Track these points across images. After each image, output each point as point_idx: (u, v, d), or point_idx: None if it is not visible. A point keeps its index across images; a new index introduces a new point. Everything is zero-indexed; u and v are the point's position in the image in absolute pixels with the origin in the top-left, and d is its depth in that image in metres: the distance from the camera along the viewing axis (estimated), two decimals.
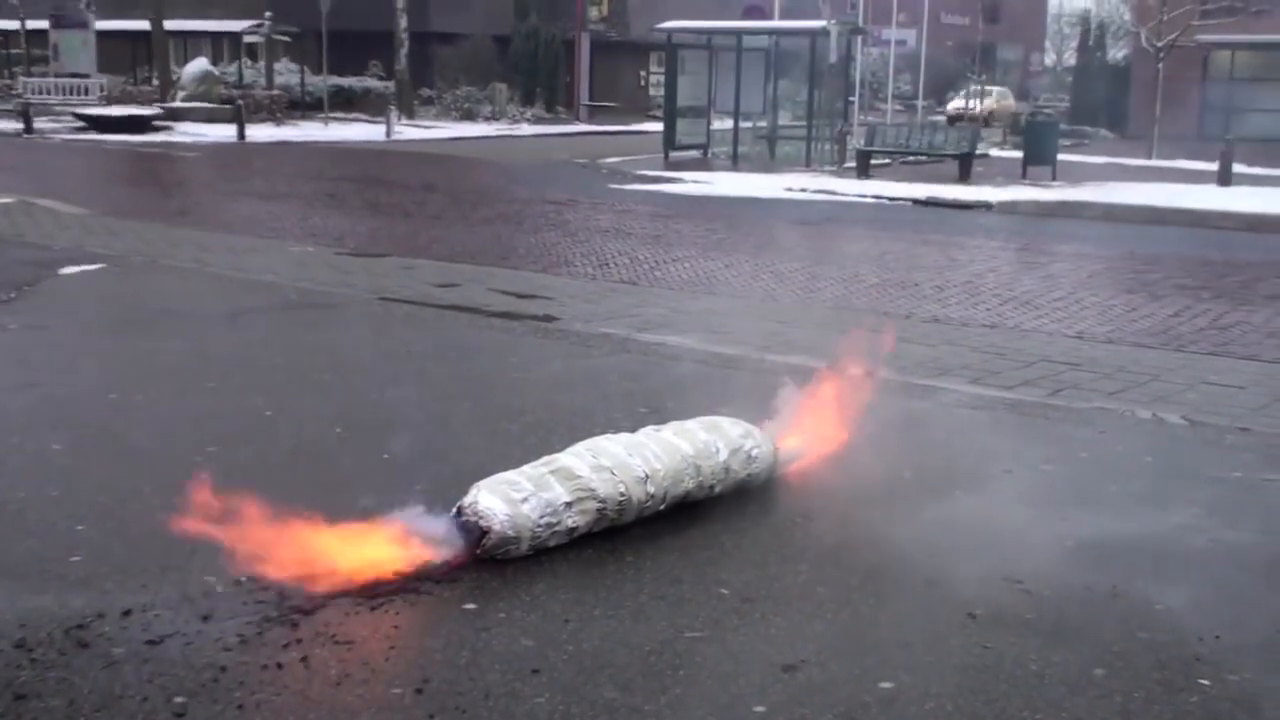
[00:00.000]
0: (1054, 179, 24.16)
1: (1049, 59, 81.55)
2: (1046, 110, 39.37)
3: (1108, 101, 45.86)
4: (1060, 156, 25.42)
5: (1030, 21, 78.43)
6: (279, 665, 3.72)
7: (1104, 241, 16.44)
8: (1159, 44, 33.39)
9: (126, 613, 4.00)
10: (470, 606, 4.19)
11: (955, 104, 49.31)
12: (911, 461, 5.92)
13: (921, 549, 4.88)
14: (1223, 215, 18.97)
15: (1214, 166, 24.69)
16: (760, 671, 3.83)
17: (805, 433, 5.89)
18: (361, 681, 3.66)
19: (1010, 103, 51.39)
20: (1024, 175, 24.57)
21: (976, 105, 42.75)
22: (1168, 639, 4.11)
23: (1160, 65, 33.57)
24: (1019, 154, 26.61)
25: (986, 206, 20.31)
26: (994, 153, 31.20)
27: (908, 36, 45.38)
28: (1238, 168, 24.28)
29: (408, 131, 38.52)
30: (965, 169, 24.33)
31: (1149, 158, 31.47)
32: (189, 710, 3.47)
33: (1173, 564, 4.78)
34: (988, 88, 48.54)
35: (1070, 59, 66.48)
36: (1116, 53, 53.88)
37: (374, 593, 4.20)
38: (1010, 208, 20.27)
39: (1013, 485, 5.70)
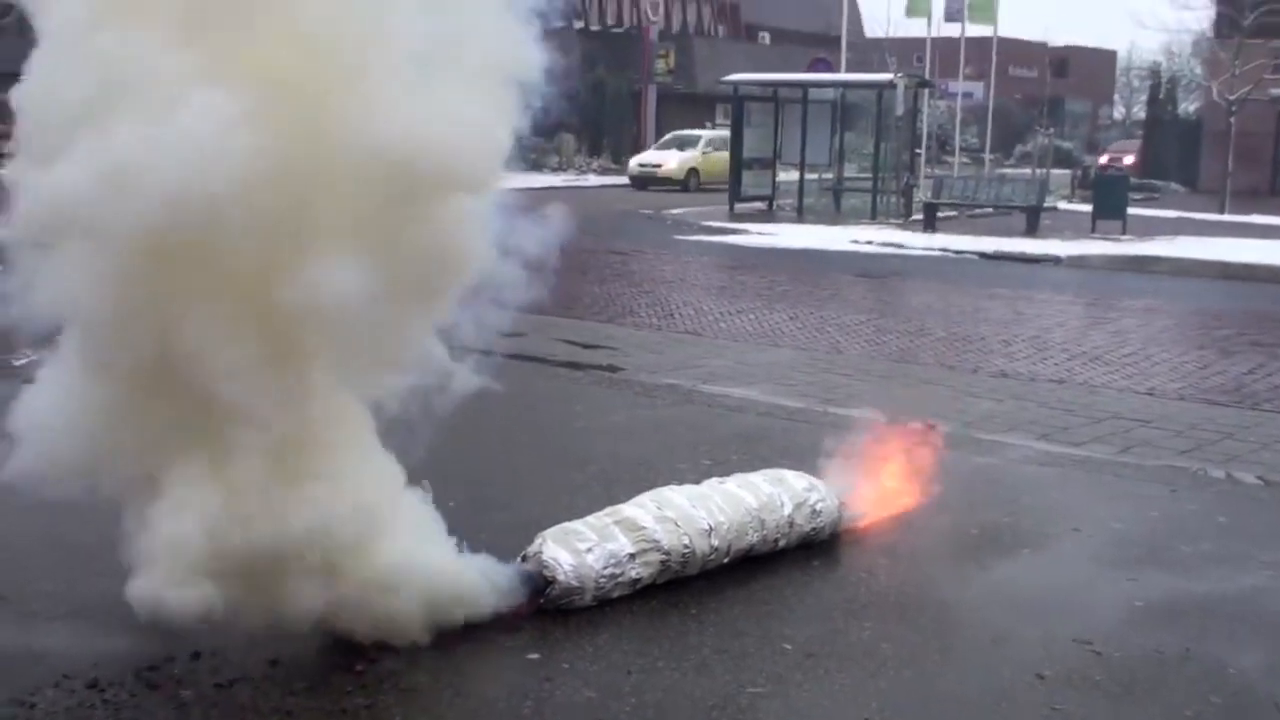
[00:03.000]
0: (1124, 233, 23.92)
1: (1118, 112, 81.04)
2: (1116, 164, 39.09)
3: (1179, 155, 45.47)
4: (1130, 210, 25.20)
5: (1099, 75, 78.14)
6: (344, 711, 3.74)
7: (1175, 297, 16.26)
8: (1231, 98, 33.10)
9: (195, 655, 4.04)
10: (533, 656, 4.19)
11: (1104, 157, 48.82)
12: (978, 518, 5.87)
13: (988, 607, 4.83)
14: None
15: None
16: None
17: (870, 488, 5.85)
18: None
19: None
20: (1093, 229, 24.35)
21: (1123, 157, 42.71)
22: (1242, 703, 4.04)
23: (1232, 119, 33.25)
24: (1087, 207, 26.39)
25: (1055, 260, 20.15)
26: (1062, 205, 30.97)
27: (975, 89, 45.26)
28: None
29: None
30: (1033, 222, 24.17)
31: (1221, 212, 31.09)
32: None
33: (1247, 626, 4.70)
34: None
35: (1139, 112, 66.01)
36: (1188, 106, 53.48)
37: (438, 641, 4.21)
38: (1079, 261, 20.09)
39: (1081, 544, 5.63)
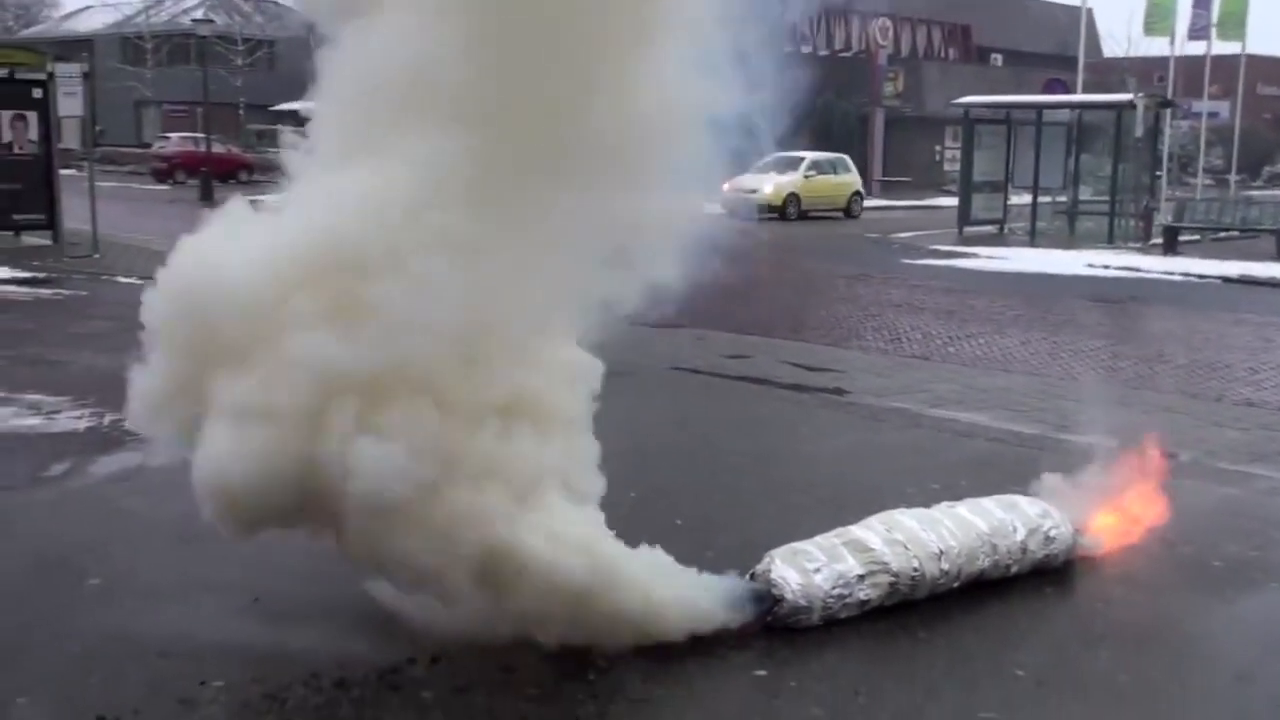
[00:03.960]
0: None
1: None
2: None
3: None
4: None
5: None
6: (576, 718, 3.84)
7: None
8: None
9: (435, 660, 4.20)
10: (761, 673, 4.22)
11: None
12: (1221, 550, 5.65)
13: (1231, 642, 4.66)
14: None
15: None
16: None
17: (1106, 516, 5.70)
18: None
19: None
20: None
21: None
22: None
23: None
24: None
25: None
26: None
27: (1220, 108, 43.50)
28: None
29: None
30: None
31: None
32: None
33: None
34: None
35: None
36: None
37: (668, 654, 4.28)
38: None
39: None
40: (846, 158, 35.32)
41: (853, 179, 34.65)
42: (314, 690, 4.02)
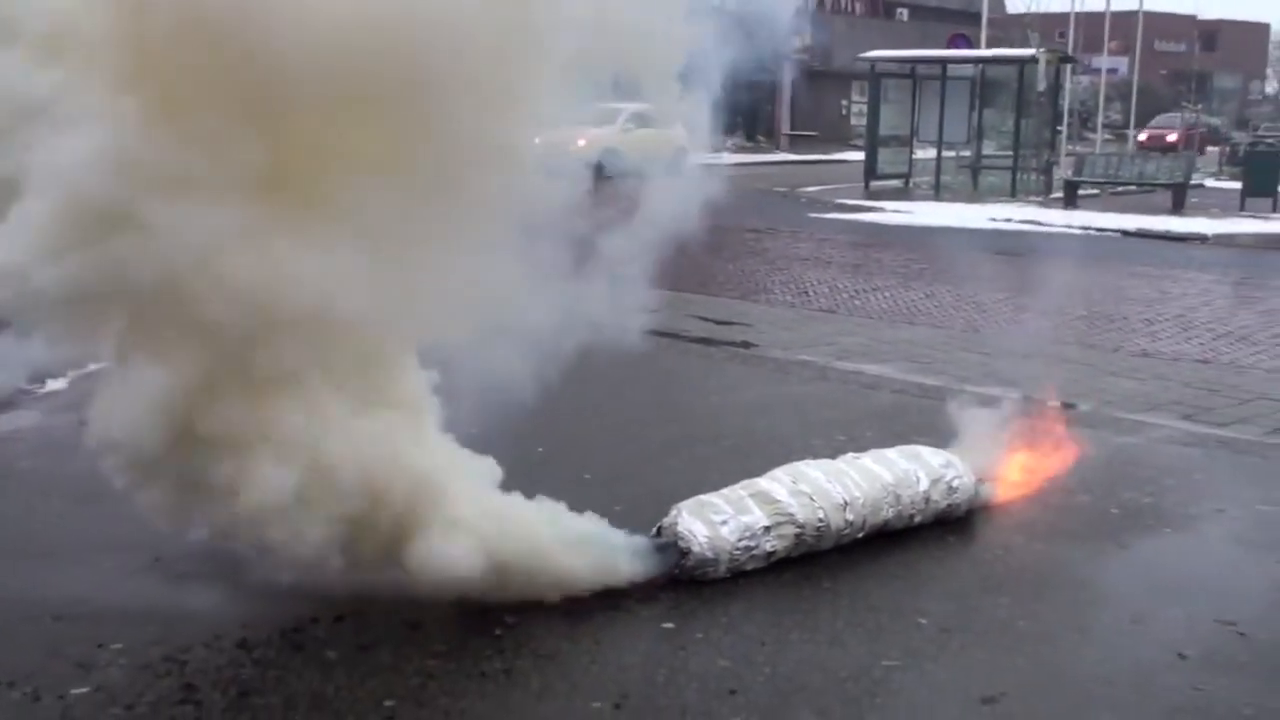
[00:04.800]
0: (1275, 210, 23.19)
1: (1270, 87, 78.38)
2: (1268, 140, 37.81)
3: None
4: None
5: (1250, 49, 75.61)
6: (483, 674, 3.83)
7: None
8: None
9: (339, 619, 4.16)
10: (668, 625, 4.24)
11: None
12: (1118, 497, 5.77)
13: (1128, 586, 4.76)
14: None
15: None
16: (958, 703, 3.79)
17: (1007, 465, 5.79)
18: (562, 694, 3.74)
19: None
20: (1242, 207, 23.61)
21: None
22: None
23: None
24: (1237, 185, 25.61)
25: (1201, 239, 19.59)
26: (1209, 183, 30.09)
27: (1119, 64, 44.10)
28: None
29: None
30: (1179, 200, 23.52)
31: None
32: (397, 713, 3.60)
33: None
34: None
35: None
36: None
37: (575, 608, 4.28)
38: (1227, 240, 19.51)
39: (1226, 525, 5.51)
40: None
41: (677, 134, 33.62)
42: (215, 651, 3.96)
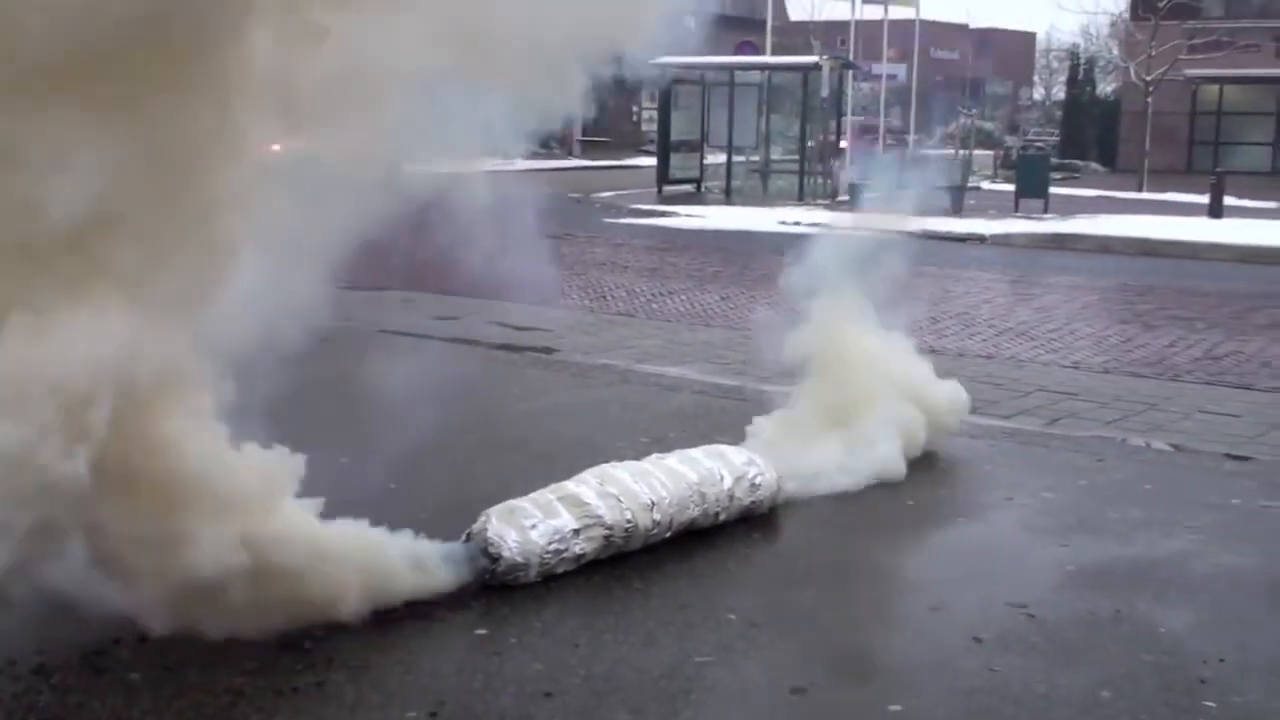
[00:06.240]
0: (1046, 211, 24.29)
1: (1038, 93, 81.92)
2: (1037, 144, 39.57)
3: (1098, 135, 46.14)
4: (1051, 190, 25.56)
5: (1019, 56, 78.88)
6: (295, 690, 3.76)
7: (1097, 273, 16.54)
8: (1148, 78, 33.62)
9: (143, 639, 4.03)
10: (481, 632, 4.23)
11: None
12: (913, 490, 5.97)
13: (926, 575, 4.94)
14: (1214, 247, 19.07)
15: (1204, 199, 24.79)
16: (769, 695, 3.88)
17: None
18: (376, 705, 3.70)
19: None
20: (1016, 208, 24.70)
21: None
22: (1172, 662, 4.16)
23: (1149, 100, 33.80)
24: (1010, 187, 26.76)
25: (980, 239, 20.41)
26: (985, 185, 31.36)
27: (898, 71, 45.57)
28: (1227, 200, 24.41)
29: None
30: (957, 202, 24.45)
31: (1139, 190, 31.60)
32: None
33: (1175, 588, 4.83)
34: None
35: (1059, 93, 66.77)
36: (1105, 87, 54.20)
37: (386, 620, 4.24)
38: (1003, 240, 20.37)
39: (1014, 512, 5.76)
40: None
41: None
42: (10, 679, 3.79)
